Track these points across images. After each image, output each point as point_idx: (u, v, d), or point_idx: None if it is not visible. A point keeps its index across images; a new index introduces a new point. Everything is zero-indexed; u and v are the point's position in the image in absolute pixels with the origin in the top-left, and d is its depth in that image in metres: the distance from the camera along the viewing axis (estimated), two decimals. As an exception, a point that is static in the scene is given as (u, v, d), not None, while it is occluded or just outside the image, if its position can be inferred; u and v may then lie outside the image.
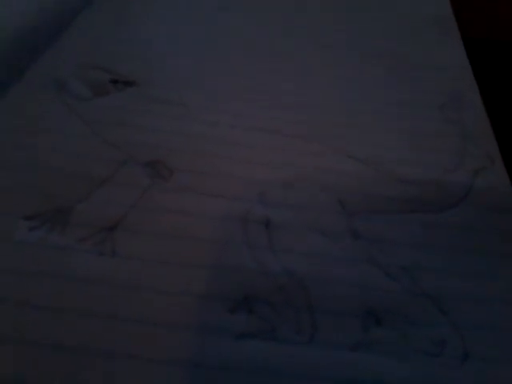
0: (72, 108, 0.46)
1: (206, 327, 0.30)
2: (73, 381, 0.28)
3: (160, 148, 0.43)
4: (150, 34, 0.60)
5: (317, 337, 0.30)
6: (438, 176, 0.43)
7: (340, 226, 0.37)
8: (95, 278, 0.32)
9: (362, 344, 0.30)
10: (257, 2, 0.71)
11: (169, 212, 0.37)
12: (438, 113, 0.50)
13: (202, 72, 0.54)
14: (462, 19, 0.67)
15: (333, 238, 0.36)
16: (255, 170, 0.41)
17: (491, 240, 0.37)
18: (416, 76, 0.56)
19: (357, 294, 0.33)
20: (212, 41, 0.60)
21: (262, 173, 0.41)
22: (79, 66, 0.51)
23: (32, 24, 0.61)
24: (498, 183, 0.42)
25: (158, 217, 0.37)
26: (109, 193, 0.38)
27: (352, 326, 0.31)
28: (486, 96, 0.52)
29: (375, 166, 0.43)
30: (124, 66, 0.52)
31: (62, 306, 0.31)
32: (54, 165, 0.40)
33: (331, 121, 0.48)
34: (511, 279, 0.35)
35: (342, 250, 0.35)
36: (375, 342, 0.30)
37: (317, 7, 0.71)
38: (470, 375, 0.29)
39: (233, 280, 0.33)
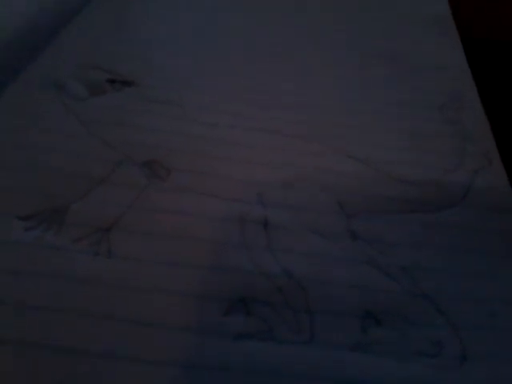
0: (70, 108, 0.46)
1: (204, 328, 0.30)
2: (73, 381, 0.28)
3: (158, 148, 0.43)
4: (150, 34, 0.60)
5: (316, 337, 0.30)
6: (437, 176, 0.43)
7: (339, 227, 0.37)
8: (91, 278, 0.32)
9: (361, 344, 0.30)
10: (257, 2, 0.71)
11: (166, 212, 0.37)
12: (437, 113, 0.50)
13: (201, 72, 0.54)
14: (460, 19, 0.67)
15: (332, 239, 0.36)
16: (254, 171, 0.41)
17: (490, 240, 0.37)
18: (416, 76, 0.56)
19: (356, 295, 0.33)
20: (212, 41, 0.60)
21: (261, 173, 0.41)
22: (78, 66, 0.51)
23: (31, 24, 0.61)
24: (497, 183, 0.42)
25: (155, 217, 0.37)
26: (105, 193, 0.38)
27: (351, 327, 0.31)
28: (484, 96, 0.52)
29: (375, 166, 0.43)
30: (123, 66, 0.52)
31: (58, 306, 0.31)
32: (51, 165, 0.40)
33: (331, 121, 0.48)
34: (511, 279, 0.35)
35: (341, 251, 0.35)
36: (374, 343, 0.30)
37: (317, 7, 0.71)
38: (469, 375, 0.29)
39: (231, 281, 0.33)
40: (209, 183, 0.40)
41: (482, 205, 0.40)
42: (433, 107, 0.51)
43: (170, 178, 0.40)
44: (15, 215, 0.36)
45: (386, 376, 0.29)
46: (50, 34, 0.57)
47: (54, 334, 0.29)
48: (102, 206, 0.37)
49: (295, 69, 0.56)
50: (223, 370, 0.29)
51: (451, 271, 0.35)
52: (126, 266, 0.34)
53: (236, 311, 0.31)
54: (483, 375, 0.30)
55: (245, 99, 0.50)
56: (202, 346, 0.30)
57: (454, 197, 0.41)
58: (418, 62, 0.58)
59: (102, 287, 0.32)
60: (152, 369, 0.28)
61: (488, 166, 0.44)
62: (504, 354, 0.31)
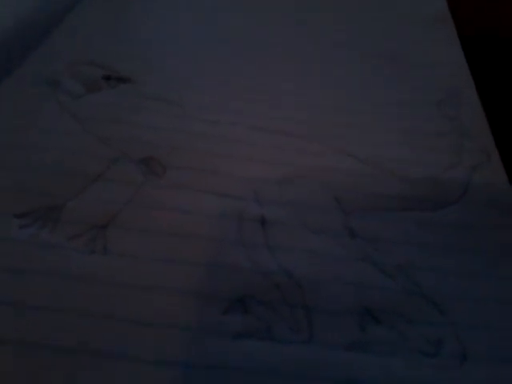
0: (64, 105, 0.46)
1: (201, 327, 0.30)
2: (73, 381, 0.28)
3: (156, 145, 0.43)
4: (149, 34, 0.60)
5: (315, 336, 0.30)
6: (436, 174, 0.43)
7: (337, 225, 0.37)
8: (88, 276, 0.32)
9: (360, 343, 0.30)
10: (257, 2, 0.71)
11: (163, 209, 0.37)
12: (436, 111, 0.50)
13: (201, 72, 0.54)
14: (460, 16, 0.68)
15: (330, 237, 0.36)
16: (255, 168, 0.41)
17: (489, 238, 0.37)
18: (415, 75, 0.56)
19: (355, 293, 0.33)
20: (212, 40, 0.60)
21: (261, 171, 0.41)
22: (73, 63, 0.51)
23: (25, 21, 0.61)
24: (495, 180, 0.42)
25: (152, 214, 0.37)
26: (101, 190, 0.38)
27: (350, 326, 0.31)
28: (482, 93, 0.52)
29: (374, 165, 0.43)
30: (121, 65, 0.52)
31: (56, 305, 0.31)
32: (47, 162, 0.40)
33: (331, 120, 0.48)
34: (510, 277, 0.35)
35: (339, 249, 0.35)
36: (372, 342, 0.30)
37: (317, 7, 0.71)
38: (469, 375, 0.29)
39: (229, 279, 0.33)
40: (207, 180, 0.40)
41: (480, 202, 0.40)
42: (432, 105, 0.51)
43: (168, 175, 0.40)
44: (11, 213, 0.36)
45: (386, 375, 0.29)
46: (44, 31, 0.57)
47: (54, 333, 0.29)
48: (98, 203, 0.37)
49: (295, 69, 0.56)
50: (222, 369, 0.29)
51: (448, 269, 0.35)
52: (123, 263, 0.33)
53: (234, 310, 0.31)
54: (483, 375, 0.30)
55: (245, 99, 0.50)
56: (199, 345, 0.30)
57: (453, 194, 0.40)
58: (418, 61, 0.58)
59: (100, 285, 0.32)
60: (151, 369, 0.28)
61: (486, 163, 0.43)
62: (504, 354, 0.31)
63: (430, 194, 0.41)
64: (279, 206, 0.38)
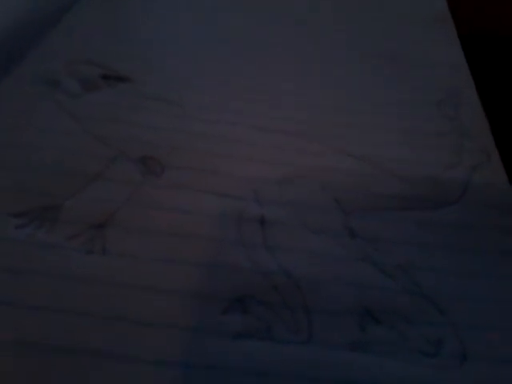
0: (62, 104, 0.46)
1: (201, 327, 0.30)
2: (73, 381, 0.28)
3: (155, 144, 0.43)
4: (149, 34, 0.60)
5: (314, 337, 0.30)
6: (436, 174, 0.43)
7: (337, 225, 0.37)
8: (87, 276, 0.32)
9: (360, 343, 0.30)
10: (257, 2, 0.71)
11: (162, 209, 0.37)
12: (436, 111, 0.50)
13: (201, 72, 0.54)
14: (460, 15, 0.68)
15: (329, 237, 0.36)
16: (255, 168, 0.41)
17: (490, 238, 0.37)
18: (415, 75, 0.56)
19: (355, 294, 0.33)
20: (212, 40, 0.60)
21: (261, 171, 0.41)
22: (71, 62, 0.51)
23: (23, 21, 0.61)
24: (495, 180, 0.42)
25: (151, 214, 0.37)
26: (100, 189, 0.38)
27: (349, 326, 0.31)
28: (483, 92, 0.52)
29: (374, 165, 0.43)
30: (120, 65, 0.52)
31: (56, 305, 0.31)
32: (44, 162, 0.40)
33: (331, 120, 0.48)
34: (510, 277, 0.35)
35: (339, 249, 0.35)
36: (372, 342, 0.30)
37: (317, 7, 0.71)
38: (469, 375, 0.29)
39: (228, 279, 0.33)
40: (207, 180, 0.40)
41: (480, 202, 0.40)
42: (432, 105, 0.51)
43: (168, 174, 0.40)
44: (8, 213, 0.36)
45: (385, 375, 0.29)
46: (42, 30, 0.57)
47: (54, 333, 0.29)
48: (97, 203, 0.37)
49: (295, 69, 0.56)
50: (222, 369, 0.29)
51: (449, 269, 0.35)
52: (122, 263, 0.33)
53: (234, 310, 0.31)
54: (483, 375, 0.29)
55: (245, 99, 0.50)
56: (198, 345, 0.30)
57: (453, 194, 0.40)
58: (418, 61, 0.58)
59: (100, 285, 0.32)
60: (152, 369, 0.28)
61: (486, 162, 0.43)
62: (504, 354, 0.30)
63: (429, 193, 0.41)
64: (279, 205, 0.38)
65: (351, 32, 0.65)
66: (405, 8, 0.71)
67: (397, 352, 0.30)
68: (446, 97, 0.52)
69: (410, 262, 0.35)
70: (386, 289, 0.33)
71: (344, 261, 0.35)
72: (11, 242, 0.34)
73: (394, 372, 0.29)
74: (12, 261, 0.33)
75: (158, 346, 0.29)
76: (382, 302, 0.32)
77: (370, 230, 0.37)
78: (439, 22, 0.67)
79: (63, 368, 0.28)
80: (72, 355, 0.28)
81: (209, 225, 0.37)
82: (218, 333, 0.30)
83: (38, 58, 0.52)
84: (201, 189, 0.39)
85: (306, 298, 0.32)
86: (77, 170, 0.39)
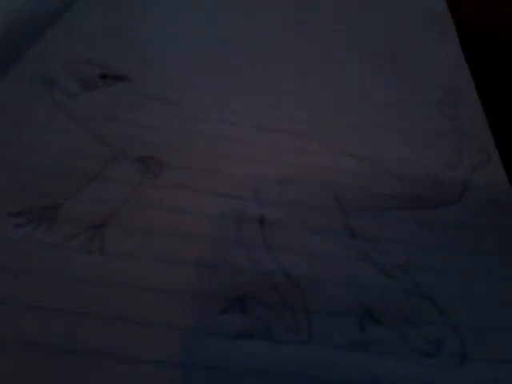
0: (60, 104, 0.46)
1: (201, 327, 0.30)
2: (73, 381, 0.28)
3: (154, 144, 0.43)
4: (149, 34, 0.60)
5: (314, 337, 0.30)
6: (436, 173, 0.43)
7: (337, 225, 0.37)
8: (87, 276, 0.32)
9: (360, 344, 0.30)
10: (257, 2, 0.71)
11: (161, 209, 0.37)
12: (436, 111, 0.50)
13: (201, 72, 0.54)
14: (460, 15, 0.68)
15: (329, 237, 0.36)
16: (253, 168, 0.41)
17: (490, 237, 0.37)
18: (415, 75, 0.56)
19: (355, 294, 0.33)
20: (212, 41, 0.60)
21: (261, 170, 0.41)
22: (69, 61, 0.51)
23: (21, 20, 0.61)
24: (495, 180, 0.42)
25: (149, 214, 0.37)
26: (99, 189, 0.38)
27: (349, 326, 0.31)
28: (483, 92, 0.52)
29: (375, 165, 0.43)
30: (119, 64, 0.52)
31: (56, 305, 0.31)
32: (43, 161, 0.40)
33: (331, 120, 0.48)
34: (510, 277, 0.35)
35: (339, 249, 0.35)
36: (373, 342, 0.30)
37: (316, 7, 0.71)
38: (470, 376, 0.29)
39: (228, 279, 0.33)
40: (207, 180, 0.40)
41: (480, 202, 0.40)
42: (432, 105, 0.51)
43: (167, 174, 0.40)
44: (6, 212, 0.35)
45: (386, 376, 0.29)
46: (40, 30, 0.57)
47: (54, 333, 0.29)
48: (96, 202, 0.37)
49: (295, 69, 0.56)
50: (222, 369, 0.29)
51: (449, 269, 0.35)
52: (121, 263, 0.33)
53: (233, 310, 0.31)
54: (484, 375, 0.29)
55: (245, 99, 0.50)
56: (198, 345, 0.30)
57: (453, 194, 0.40)
58: (418, 61, 0.58)
59: (99, 285, 0.32)
60: (152, 369, 0.28)
61: (486, 162, 0.43)
62: (504, 353, 0.30)
63: (429, 193, 0.41)
64: (279, 205, 0.38)
65: (351, 32, 0.65)
66: (405, 8, 0.71)
67: (397, 352, 0.30)
68: (446, 97, 0.52)
69: (410, 261, 0.35)
70: (385, 289, 0.33)
71: (344, 261, 0.35)
72: (10, 242, 0.34)
73: (393, 372, 0.29)
74: (11, 261, 0.33)
75: (158, 346, 0.29)
76: (382, 302, 0.32)
77: (369, 230, 0.37)
78: (439, 21, 0.67)
79: (63, 368, 0.28)
80: (72, 355, 0.28)
81: (209, 225, 0.36)
82: (218, 333, 0.30)
83: (36, 58, 0.52)
84: (201, 189, 0.39)
85: (305, 298, 0.32)
86: (76, 170, 0.39)
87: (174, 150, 0.42)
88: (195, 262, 0.34)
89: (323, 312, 0.31)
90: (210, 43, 0.59)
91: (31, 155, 0.40)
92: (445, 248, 0.36)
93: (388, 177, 0.42)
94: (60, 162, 0.40)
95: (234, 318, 0.31)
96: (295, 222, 0.37)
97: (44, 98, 0.46)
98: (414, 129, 0.47)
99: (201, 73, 0.53)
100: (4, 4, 0.59)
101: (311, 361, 0.29)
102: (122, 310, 0.31)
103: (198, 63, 0.55)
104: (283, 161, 0.42)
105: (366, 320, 0.31)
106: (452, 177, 0.42)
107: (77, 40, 0.56)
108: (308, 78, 0.54)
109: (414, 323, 0.31)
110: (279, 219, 0.37)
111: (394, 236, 0.37)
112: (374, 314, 0.31)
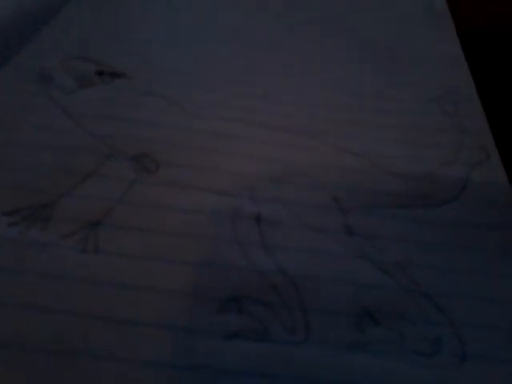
0: (57, 101, 0.46)
1: (196, 327, 0.30)
2: (73, 381, 0.27)
3: (151, 141, 0.42)
4: (149, 33, 0.60)
5: (311, 337, 0.30)
6: (435, 171, 0.42)
7: (334, 222, 0.37)
8: (85, 275, 0.32)
9: (358, 343, 0.30)
10: (257, 2, 0.71)
11: (157, 207, 0.37)
12: (435, 108, 0.50)
13: (201, 72, 0.54)
14: (460, 11, 0.68)
15: (327, 235, 0.36)
16: (251, 166, 0.41)
17: (488, 236, 0.37)
18: (415, 72, 0.56)
19: (352, 293, 0.32)
20: (212, 40, 0.60)
21: (258, 168, 0.41)
22: (65, 58, 0.51)
23: (19, 18, 0.61)
24: (495, 178, 0.42)
25: (145, 212, 0.36)
26: (94, 187, 0.38)
27: (347, 326, 0.31)
28: (482, 90, 0.52)
29: (374, 162, 0.42)
30: (118, 64, 0.52)
31: (52, 304, 0.31)
32: (39, 159, 0.40)
33: (331, 118, 0.48)
34: (509, 276, 0.34)
35: (336, 247, 0.35)
36: (372, 342, 0.30)
37: (316, 7, 0.71)
38: (469, 375, 0.29)
39: (223, 278, 0.33)
40: (205, 178, 0.40)
41: (479, 200, 0.40)
42: (431, 102, 0.51)
43: (164, 172, 0.40)
44: (0, 211, 0.35)
45: (384, 375, 0.29)
46: (37, 26, 0.57)
47: (54, 334, 0.29)
48: (92, 201, 0.37)
49: (295, 69, 0.56)
50: (219, 370, 0.28)
51: (448, 267, 0.34)
52: (117, 262, 0.33)
53: (229, 310, 0.31)
54: (483, 375, 0.29)
55: (245, 97, 0.50)
56: (194, 346, 0.29)
57: (452, 191, 0.40)
58: (418, 58, 0.58)
59: (96, 285, 0.32)
60: (151, 369, 0.28)
61: (486, 160, 0.43)
62: (504, 353, 0.30)
63: (428, 191, 0.40)
64: (276, 203, 0.38)
65: (351, 32, 0.64)
66: (405, 8, 0.71)
67: (395, 352, 0.30)
68: (446, 94, 0.52)
69: (407, 259, 0.34)
70: (383, 287, 0.33)
71: (341, 258, 0.34)
72: (3, 241, 0.34)
73: (393, 372, 0.29)
74: (5, 259, 0.33)
75: (152, 347, 0.29)
76: (380, 301, 0.32)
77: (367, 228, 0.36)
78: (439, 21, 0.67)
79: (63, 368, 0.28)
80: (71, 355, 0.28)
81: (204, 223, 0.36)
82: (214, 333, 0.30)
83: (33, 54, 0.52)
84: (200, 187, 0.39)
85: (302, 297, 0.32)
86: (72, 168, 0.39)
87: (172, 147, 0.42)
88: (192, 260, 0.34)
89: (321, 311, 0.31)
90: (210, 43, 0.59)
91: (26, 153, 0.40)
92: (443, 246, 0.36)
93: (387, 174, 0.41)
94: (56, 159, 0.40)
95: (230, 317, 0.30)
96: (292, 220, 0.37)
97: (41, 96, 0.46)
98: (414, 126, 0.47)
99: (200, 71, 0.53)
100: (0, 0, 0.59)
101: (308, 361, 0.29)
102: (121, 310, 0.30)
103: (198, 63, 0.55)
104: (282, 158, 0.42)
105: (364, 319, 0.31)
106: (451, 174, 0.42)
107: (74, 37, 0.56)
108: (308, 78, 0.54)
109: (412, 321, 0.31)
110: (276, 217, 0.37)
111: (391, 233, 0.36)
112: (373, 314, 0.31)
